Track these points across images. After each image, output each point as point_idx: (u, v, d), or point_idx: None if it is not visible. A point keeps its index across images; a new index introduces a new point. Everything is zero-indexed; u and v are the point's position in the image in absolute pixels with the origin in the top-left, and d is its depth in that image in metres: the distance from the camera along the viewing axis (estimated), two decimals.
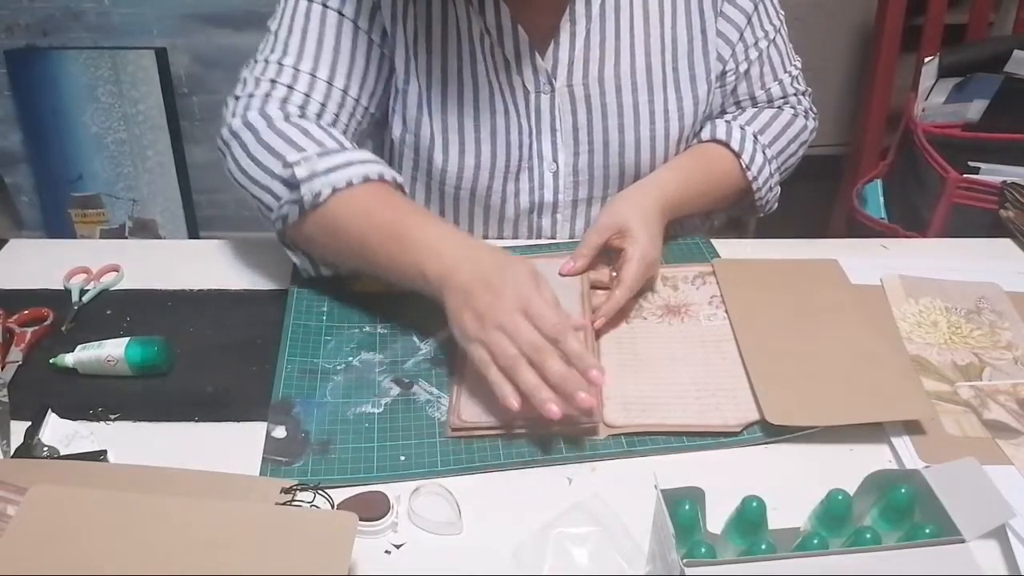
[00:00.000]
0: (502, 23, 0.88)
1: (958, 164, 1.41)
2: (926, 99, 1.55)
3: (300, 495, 0.62)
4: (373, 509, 0.62)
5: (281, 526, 0.56)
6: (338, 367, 0.77)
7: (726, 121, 0.97)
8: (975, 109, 1.50)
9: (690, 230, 1.02)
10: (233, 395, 0.74)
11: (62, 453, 0.67)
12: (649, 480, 0.56)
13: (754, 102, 0.99)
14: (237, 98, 0.87)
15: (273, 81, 0.86)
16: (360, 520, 0.57)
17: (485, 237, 1.00)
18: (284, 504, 0.61)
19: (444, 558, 0.61)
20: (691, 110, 0.94)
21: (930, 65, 1.52)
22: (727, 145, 0.95)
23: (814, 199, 1.83)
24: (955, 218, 1.41)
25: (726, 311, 0.83)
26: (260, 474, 0.66)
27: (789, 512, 0.58)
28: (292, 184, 0.80)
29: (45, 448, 0.68)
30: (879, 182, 1.68)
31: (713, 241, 0.95)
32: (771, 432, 0.70)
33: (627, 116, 0.92)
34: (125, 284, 0.89)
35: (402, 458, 0.68)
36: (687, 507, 0.54)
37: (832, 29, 2.09)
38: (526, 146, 0.93)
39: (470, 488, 0.66)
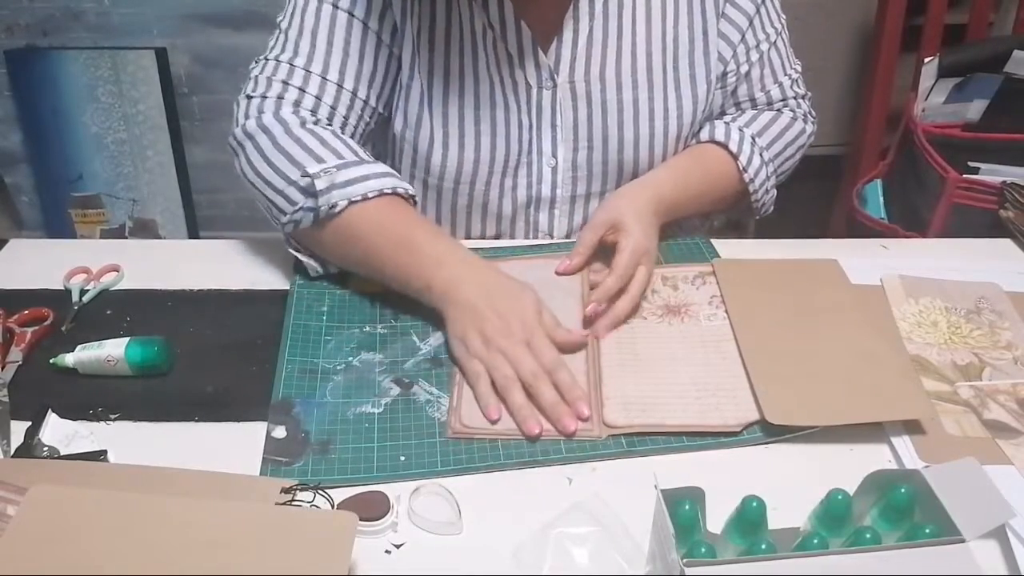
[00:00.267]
0: (505, 18, 0.88)
1: (958, 164, 1.41)
2: (926, 99, 1.55)
3: (300, 495, 0.62)
4: (373, 509, 0.62)
5: (281, 526, 0.56)
6: (338, 367, 0.77)
7: (725, 123, 0.97)
8: (975, 109, 1.50)
9: (690, 230, 1.02)
10: (233, 395, 0.74)
11: (62, 453, 0.67)
12: (649, 480, 0.56)
13: (754, 104, 0.99)
14: (250, 98, 0.88)
15: (285, 83, 0.87)
16: (360, 520, 0.57)
17: (483, 235, 1.00)
18: (284, 504, 0.61)
19: (444, 558, 0.61)
20: (691, 109, 0.94)
21: (930, 65, 1.52)
22: (725, 146, 0.95)
23: (814, 199, 1.84)
24: (955, 218, 1.41)
25: (726, 311, 0.83)
26: (260, 474, 0.66)
27: (789, 512, 0.58)
28: (309, 193, 0.82)
29: (45, 448, 0.68)
30: (879, 182, 1.68)
31: (713, 241, 0.95)
32: (771, 432, 0.70)
33: (627, 113, 0.93)
34: (125, 284, 0.89)
35: (402, 458, 0.68)
36: (687, 507, 0.54)
37: (832, 29, 2.09)
38: (526, 141, 0.93)
39: (470, 488, 0.66)
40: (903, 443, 0.69)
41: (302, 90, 0.87)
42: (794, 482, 0.62)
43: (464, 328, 0.77)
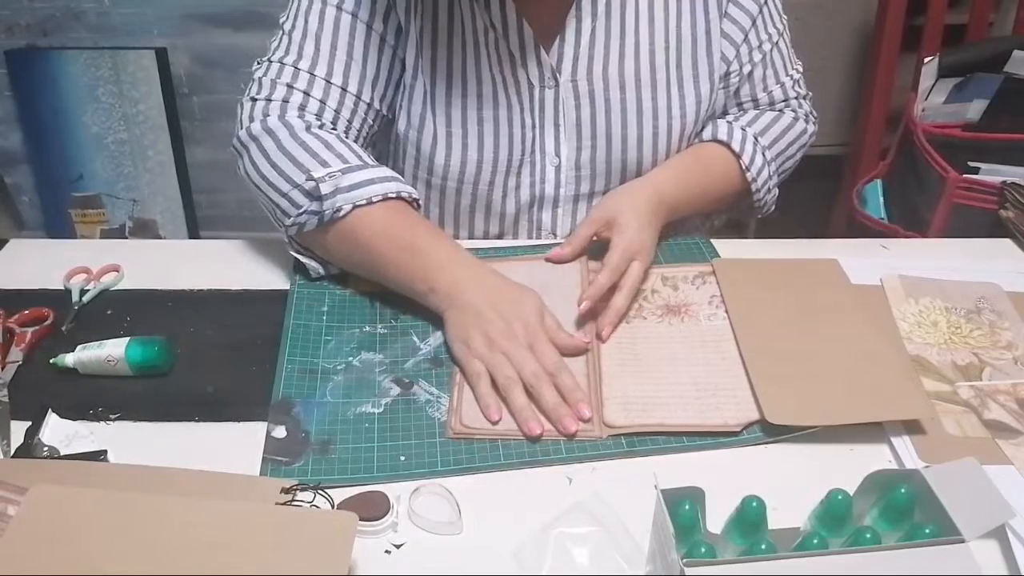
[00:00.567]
0: (507, 18, 0.88)
1: (958, 164, 1.41)
2: (926, 99, 1.55)
3: (300, 495, 0.62)
4: (373, 509, 0.62)
5: (281, 526, 0.56)
6: (338, 367, 0.77)
7: (727, 122, 0.97)
8: (975, 109, 1.50)
9: (690, 230, 1.02)
10: (233, 395, 0.74)
11: (62, 453, 0.67)
12: (649, 480, 0.56)
13: (756, 104, 0.99)
14: (254, 100, 0.88)
15: (289, 86, 0.87)
16: (360, 520, 0.57)
17: (486, 235, 1.00)
18: (284, 504, 0.61)
19: (444, 558, 0.61)
20: (693, 109, 0.94)
21: (930, 65, 1.52)
22: (728, 145, 0.95)
23: (814, 199, 1.84)
24: (955, 218, 1.41)
25: (726, 311, 0.83)
26: (260, 474, 0.66)
27: (789, 512, 0.58)
28: (314, 196, 0.82)
29: (45, 448, 0.68)
30: (879, 182, 1.68)
31: (713, 241, 0.95)
32: (771, 432, 0.70)
33: (630, 112, 0.93)
34: (125, 284, 0.89)
35: (402, 458, 0.68)
36: (687, 507, 0.54)
37: (832, 29, 2.09)
38: (529, 140, 0.93)
39: (470, 488, 0.66)
40: (903, 443, 0.69)
41: (307, 94, 0.87)
42: (794, 482, 0.62)
43: (467, 329, 0.77)
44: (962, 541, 0.52)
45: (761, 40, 0.95)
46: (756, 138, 0.96)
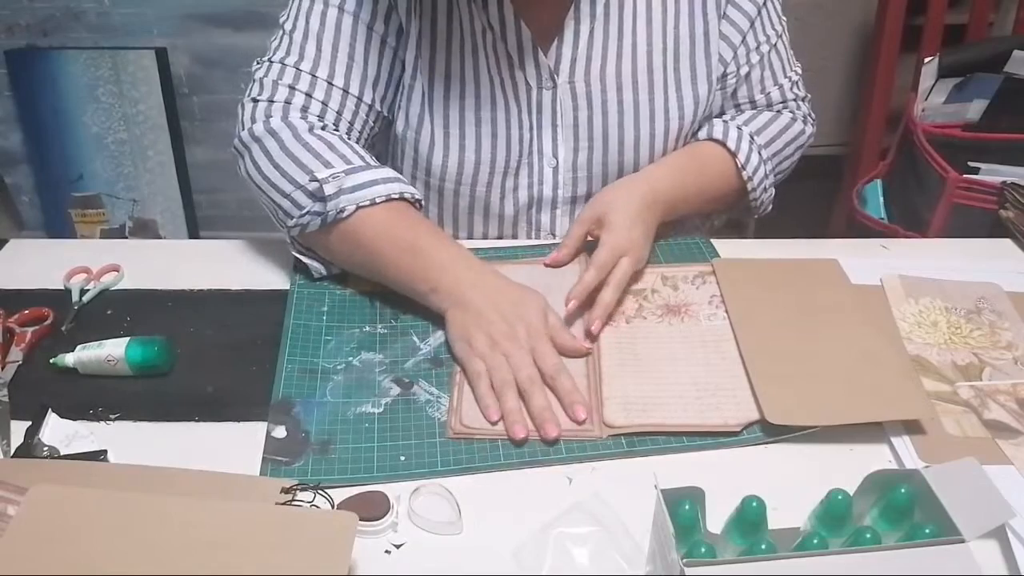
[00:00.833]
0: (505, 19, 0.88)
1: (958, 164, 1.41)
2: (926, 99, 1.55)
3: (300, 495, 0.62)
4: (373, 509, 0.62)
5: (281, 526, 0.56)
6: (338, 367, 0.77)
7: (723, 121, 0.97)
8: (975, 109, 1.50)
9: (690, 230, 1.02)
10: (233, 395, 0.74)
11: (62, 453, 0.67)
12: (649, 480, 0.56)
13: (753, 105, 0.99)
14: (256, 101, 0.88)
15: (292, 88, 0.87)
16: (360, 520, 0.57)
17: (484, 236, 1.00)
18: (284, 504, 0.61)
19: (444, 558, 0.61)
20: (691, 110, 0.94)
21: (930, 65, 1.52)
22: (723, 144, 0.95)
23: (814, 199, 1.84)
24: (955, 218, 1.41)
25: (726, 311, 0.83)
26: (260, 474, 0.66)
27: (789, 512, 0.58)
28: (318, 197, 0.82)
29: (45, 448, 0.68)
30: (879, 182, 1.68)
31: (713, 241, 0.95)
32: (771, 432, 0.70)
33: (627, 114, 0.93)
34: (125, 284, 0.89)
35: (402, 458, 0.68)
36: (687, 507, 0.54)
37: (832, 29, 2.09)
38: (526, 141, 0.93)
39: (470, 488, 0.66)
40: (903, 443, 0.69)
41: (309, 96, 0.87)
42: (794, 482, 0.62)
43: (469, 329, 0.77)
44: (962, 541, 0.52)
45: (759, 42, 0.95)
46: (752, 137, 0.96)
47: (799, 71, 1.01)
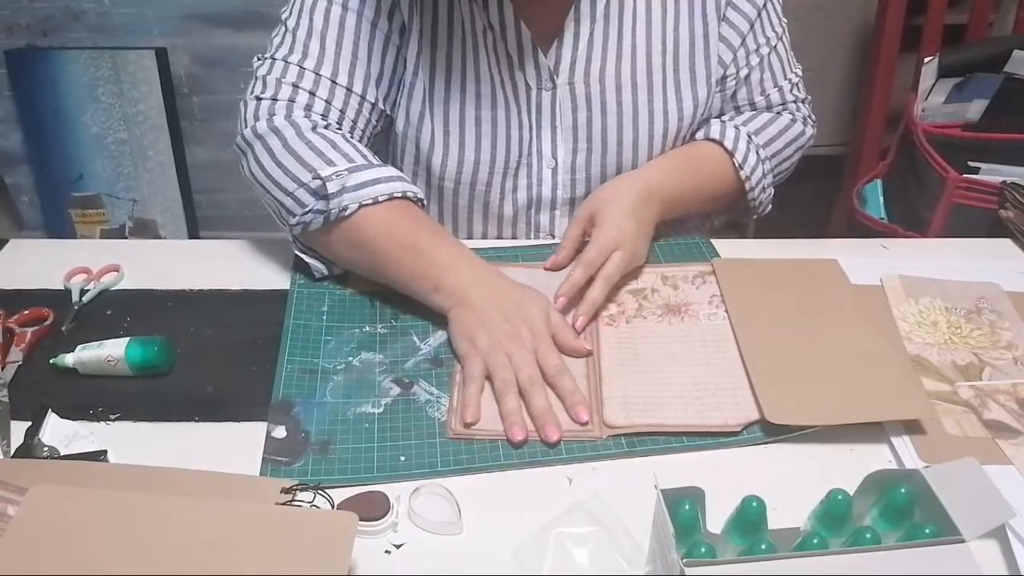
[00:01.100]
0: (505, 19, 0.88)
1: (958, 164, 1.41)
2: (926, 99, 1.55)
3: (300, 495, 0.62)
4: (373, 509, 0.62)
5: (281, 526, 0.56)
6: (338, 367, 0.77)
7: (721, 121, 0.97)
8: (975, 109, 1.50)
9: (690, 230, 1.02)
10: (233, 395, 0.74)
11: (62, 453, 0.67)
12: (649, 480, 0.56)
13: (753, 107, 0.99)
14: (259, 99, 0.87)
15: (295, 86, 0.87)
16: (360, 520, 0.57)
17: (484, 236, 1.00)
18: (284, 504, 0.61)
19: (444, 558, 0.61)
20: (690, 111, 0.94)
21: (930, 65, 1.52)
22: (720, 143, 0.95)
23: (814, 199, 1.84)
24: (955, 218, 1.41)
25: (726, 311, 0.83)
26: (260, 474, 0.66)
27: (789, 512, 0.58)
28: (320, 195, 0.82)
29: (45, 448, 0.68)
30: (879, 182, 1.68)
31: (713, 241, 0.95)
32: (771, 432, 0.70)
33: (627, 115, 0.93)
34: (125, 284, 0.89)
35: (402, 458, 0.68)
36: (687, 507, 0.54)
37: (832, 29, 2.09)
38: (526, 142, 0.93)
39: (470, 488, 0.66)
40: (903, 443, 0.69)
41: (312, 94, 0.87)
42: (794, 482, 0.62)
43: (472, 328, 0.77)
44: (962, 541, 0.52)
45: (759, 44, 0.95)
46: (751, 136, 0.96)
47: (799, 73, 1.01)
